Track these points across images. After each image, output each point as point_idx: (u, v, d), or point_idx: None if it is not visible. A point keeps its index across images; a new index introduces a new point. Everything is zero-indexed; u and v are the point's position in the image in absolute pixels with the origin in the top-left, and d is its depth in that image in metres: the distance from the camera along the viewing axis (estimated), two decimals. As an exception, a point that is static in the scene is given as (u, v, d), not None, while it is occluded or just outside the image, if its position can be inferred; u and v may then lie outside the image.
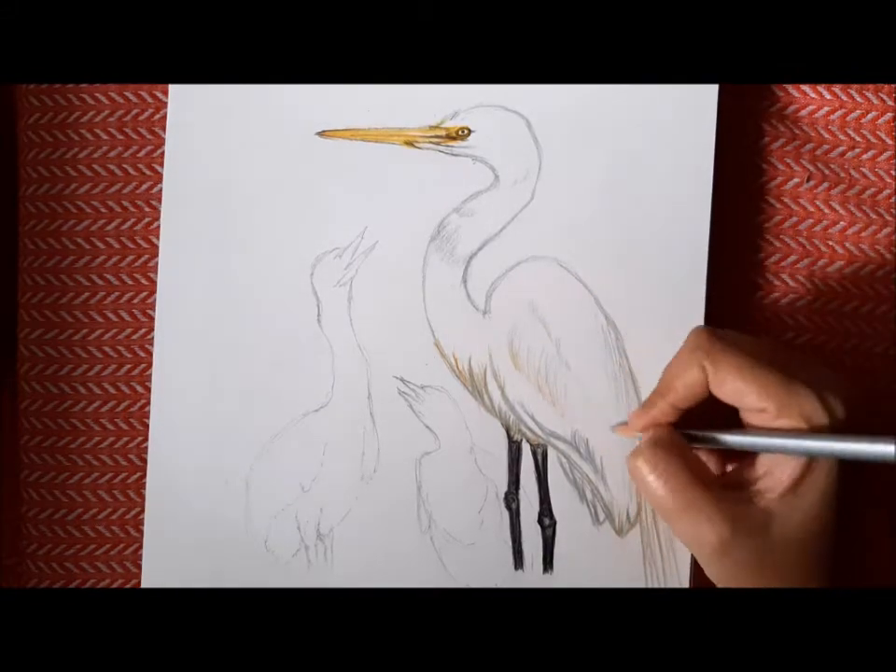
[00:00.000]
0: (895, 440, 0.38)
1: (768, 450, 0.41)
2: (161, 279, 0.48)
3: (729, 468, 0.45)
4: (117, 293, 0.49)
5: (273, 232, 0.47)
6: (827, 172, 0.49)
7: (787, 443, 0.40)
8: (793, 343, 0.49)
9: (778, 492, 0.41)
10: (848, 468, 0.41)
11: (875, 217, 0.48)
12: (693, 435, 0.43)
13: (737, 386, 0.40)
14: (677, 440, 0.43)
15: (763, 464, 0.42)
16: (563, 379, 0.46)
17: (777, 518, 0.41)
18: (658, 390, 0.44)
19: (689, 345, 0.42)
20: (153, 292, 0.48)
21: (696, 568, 0.46)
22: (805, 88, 0.49)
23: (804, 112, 0.49)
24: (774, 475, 0.41)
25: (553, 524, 0.47)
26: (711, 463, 0.45)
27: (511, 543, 0.47)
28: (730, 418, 0.43)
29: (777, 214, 0.49)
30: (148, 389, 0.48)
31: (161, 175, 0.48)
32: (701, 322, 0.46)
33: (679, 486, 0.41)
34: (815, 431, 0.40)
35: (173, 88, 0.48)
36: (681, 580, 0.46)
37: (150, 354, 0.48)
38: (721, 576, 0.42)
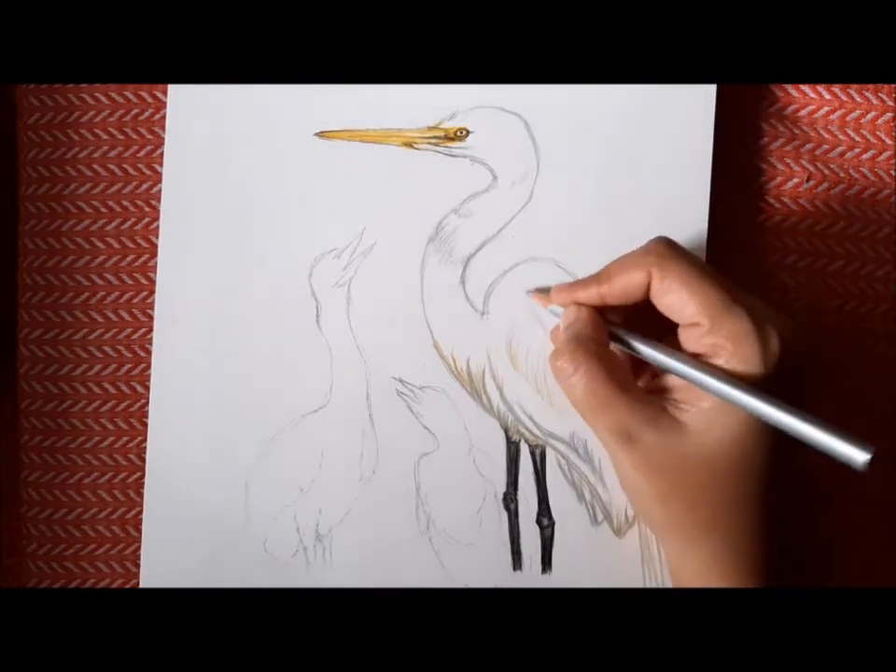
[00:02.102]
0: (870, 448, 0.36)
1: (692, 380, 0.39)
2: (161, 279, 0.48)
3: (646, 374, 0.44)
4: (116, 293, 0.50)
5: (272, 233, 0.47)
6: (827, 172, 0.49)
7: (713, 383, 0.38)
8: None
9: (697, 407, 0.40)
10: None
11: (874, 216, 0.48)
12: (616, 335, 0.42)
13: (680, 296, 0.40)
14: (599, 337, 0.42)
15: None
16: (561, 380, 0.46)
17: (690, 430, 0.39)
18: (594, 276, 0.42)
19: (643, 247, 0.41)
20: (153, 292, 0.48)
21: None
22: (805, 88, 0.49)
23: (803, 112, 0.49)
24: (694, 390, 0.40)
25: (552, 524, 0.47)
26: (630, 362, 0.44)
27: (509, 544, 0.47)
28: (649, 324, 0.42)
29: (776, 214, 0.49)
30: (148, 389, 0.48)
31: (161, 174, 0.48)
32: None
33: (597, 387, 0.40)
34: (740, 358, 0.38)
35: (172, 88, 0.48)
36: (680, 580, 0.46)
37: (150, 354, 0.48)
38: (629, 476, 0.41)
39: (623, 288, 0.41)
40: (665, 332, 0.42)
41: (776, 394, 0.38)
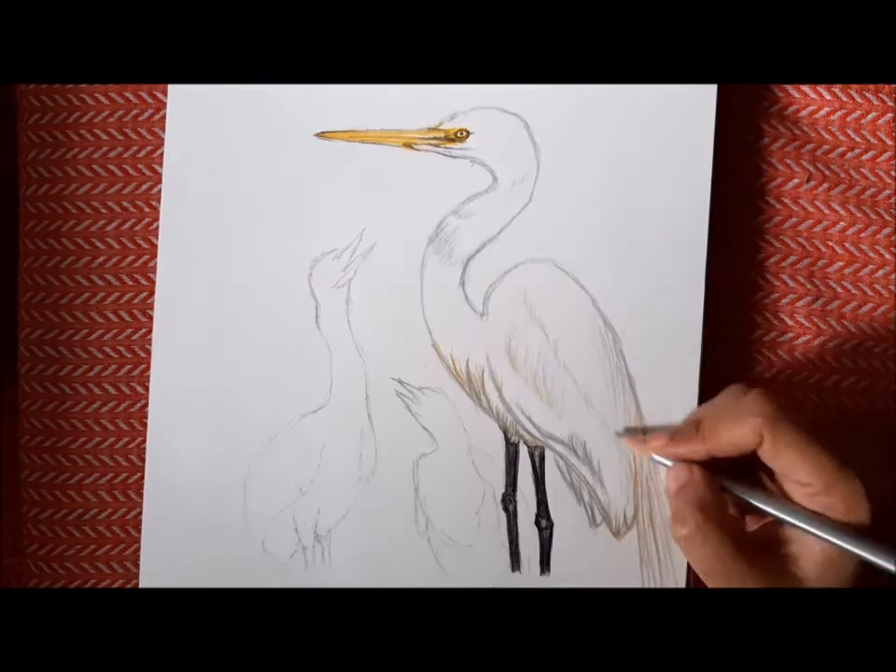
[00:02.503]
0: None
1: (805, 531, 0.41)
2: (160, 279, 0.48)
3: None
4: (116, 293, 0.50)
5: (272, 233, 0.47)
6: (827, 172, 0.48)
7: (824, 534, 0.40)
8: (794, 346, 0.49)
9: (812, 561, 0.41)
10: None
11: (874, 217, 0.48)
12: (732, 493, 0.43)
13: (792, 460, 0.41)
14: (718, 502, 0.43)
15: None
16: (560, 381, 0.46)
17: (808, 584, 0.41)
18: (694, 427, 0.43)
19: (747, 404, 0.42)
20: (153, 292, 0.48)
21: (692, 570, 0.46)
22: (805, 88, 0.49)
23: (804, 112, 0.49)
24: (806, 542, 0.41)
25: (551, 525, 0.47)
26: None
27: (508, 545, 0.47)
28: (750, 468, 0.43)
29: (776, 214, 0.49)
30: (148, 389, 0.48)
31: (161, 175, 0.48)
32: (699, 324, 0.46)
33: (724, 556, 0.41)
34: (853, 515, 0.40)
35: (172, 88, 0.48)
36: (678, 581, 0.46)
37: (150, 354, 0.48)
38: None
39: (730, 446, 0.42)
40: (766, 475, 0.43)
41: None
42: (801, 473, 0.41)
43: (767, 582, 0.41)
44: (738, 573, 0.41)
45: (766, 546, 0.43)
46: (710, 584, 0.42)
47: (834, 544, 0.40)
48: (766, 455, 0.41)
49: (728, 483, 0.43)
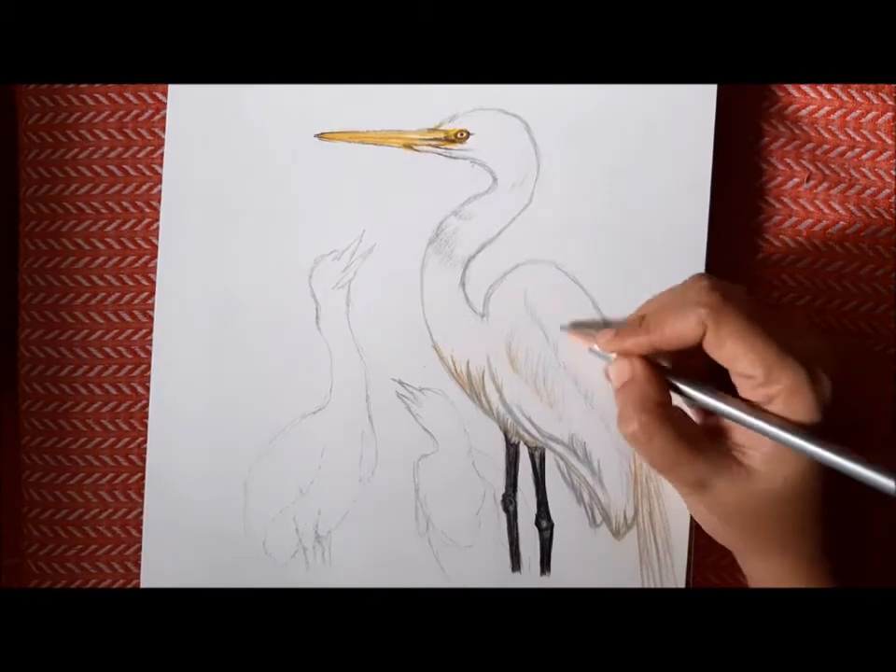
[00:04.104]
0: (894, 476, 0.38)
1: (745, 425, 0.40)
2: (160, 280, 0.48)
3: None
4: (117, 294, 0.50)
5: (272, 234, 0.47)
6: (827, 172, 0.48)
7: (763, 426, 0.40)
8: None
9: (760, 451, 0.40)
10: None
11: (874, 217, 0.48)
12: (674, 385, 0.43)
13: (734, 350, 0.40)
14: (662, 397, 0.42)
15: None
16: (561, 382, 0.47)
17: (757, 473, 0.40)
18: (644, 324, 0.42)
19: (691, 296, 0.41)
20: (153, 293, 0.48)
21: (693, 570, 0.46)
22: (805, 88, 0.48)
23: (804, 112, 0.49)
24: (755, 434, 0.41)
25: (551, 526, 0.47)
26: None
27: (508, 545, 0.47)
28: (698, 361, 0.42)
29: (776, 214, 0.49)
30: (148, 390, 0.48)
31: (161, 175, 0.48)
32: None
33: (671, 449, 0.41)
34: (794, 407, 0.39)
35: (172, 88, 0.48)
36: (677, 582, 0.46)
37: (150, 355, 0.48)
38: (708, 521, 0.43)
39: (674, 339, 0.41)
40: (715, 369, 0.42)
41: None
42: (743, 364, 0.40)
43: (717, 473, 0.41)
44: (687, 465, 0.41)
45: (715, 435, 0.42)
46: (663, 475, 0.43)
47: (768, 435, 0.40)
48: (710, 346, 0.40)
49: (671, 377, 0.43)
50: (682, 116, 0.47)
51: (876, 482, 0.38)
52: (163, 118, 0.48)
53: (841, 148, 0.49)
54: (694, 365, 0.43)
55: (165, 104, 0.48)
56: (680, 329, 0.41)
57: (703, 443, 0.42)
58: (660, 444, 0.41)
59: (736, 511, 0.41)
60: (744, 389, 0.41)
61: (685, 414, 0.43)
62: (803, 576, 0.42)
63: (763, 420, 0.40)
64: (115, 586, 0.50)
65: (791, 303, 0.48)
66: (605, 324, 0.46)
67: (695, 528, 0.46)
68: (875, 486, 0.38)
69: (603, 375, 0.45)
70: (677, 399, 0.43)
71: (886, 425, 0.48)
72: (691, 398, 0.42)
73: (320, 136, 0.47)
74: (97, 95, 0.50)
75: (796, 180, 0.49)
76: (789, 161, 0.48)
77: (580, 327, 0.46)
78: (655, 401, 0.42)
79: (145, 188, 0.49)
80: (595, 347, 0.44)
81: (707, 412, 0.43)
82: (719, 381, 0.42)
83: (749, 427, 0.40)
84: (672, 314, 0.41)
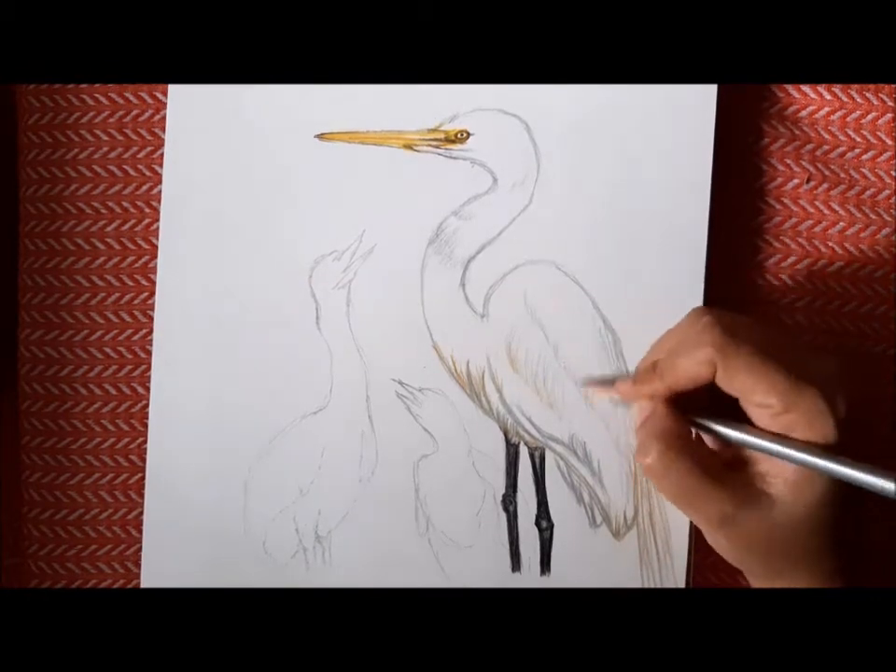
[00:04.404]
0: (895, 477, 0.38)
1: (770, 453, 0.41)
2: (161, 280, 0.48)
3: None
4: (117, 294, 0.50)
5: (272, 235, 0.47)
6: (827, 172, 0.48)
7: (789, 454, 0.40)
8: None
9: (783, 478, 0.41)
10: None
11: (874, 217, 0.48)
12: (695, 421, 0.43)
13: (746, 383, 0.40)
14: (681, 430, 0.42)
15: None
16: (561, 382, 0.47)
17: (781, 503, 0.41)
18: (658, 371, 0.43)
19: (696, 336, 0.42)
20: (153, 293, 0.48)
21: (693, 571, 0.46)
22: (805, 88, 0.48)
23: (804, 112, 0.49)
24: (776, 462, 0.41)
25: (551, 526, 0.47)
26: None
27: (508, 545, 0.47)
28: (723, 399, 0.42)
29: (776, 214, 0.49)
30: (148, 390, 0.48)
31: (161, 175, 0.48)
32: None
33: (691, 483, 0.41)
34: (816, 431, 0.40)
35: (172, 88, 0.48)
36: (677, 582, 0.46)
37: (150, 355, 0.48)
38: (729, 552, 0.43)
39: (688, 381, 0.42)
40: (733, 400, 0.42)
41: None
42: (758, 395, 0.40)
43: (738, 502, 0.41)
44: (705, 495, 0.41)
45: (737, 467, 0.42)
46: (683, 511, 0.43)
47: (795, 461, 0.40)
48: (722, 382, 0.41)
49: (692, 412, 0.43)
50: (682, 116, 0.47)
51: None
52: (163, 118, 0.48)
53: (841, 149, 0.49)
54: (712, 397, 0.43)
55: (165, 104, 0.48)
56: (694, 371, 0.41)
57: (725, 476, 0.42)
58: (677, 476, 0.41)
59: (760, 541, 0.42)
60: (762, 419, 0.41)
61: (706, 447, 0.44)
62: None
63: (788, 447, 0.40)
64: (115, 586, 0.50)
65: (791, 304, 0.48)
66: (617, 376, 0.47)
67: (696, 529, 0.46)
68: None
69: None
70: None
71: (886, 425, 0.48)
72: (712, 431, 0.43)
73: (320, 136, 0.47)
74: (97, 95, 0.50)
75: (796, 181, 0.49)
76: (789, 161, 0.48)
77: (597, 380, 0.47)
78: (673, 433, 0.42)
79: (145, 188, 0.49)
80: (617, 397, 0.45)
81: (725, 444, 0.43)
82: (737, 412, 0.42)
83: (775, 454, 0.40)
84: (682, 357, 0.42)
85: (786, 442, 0.40)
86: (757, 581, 0.44)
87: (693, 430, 0.43)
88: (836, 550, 0.42)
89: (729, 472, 0.42)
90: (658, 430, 0.42)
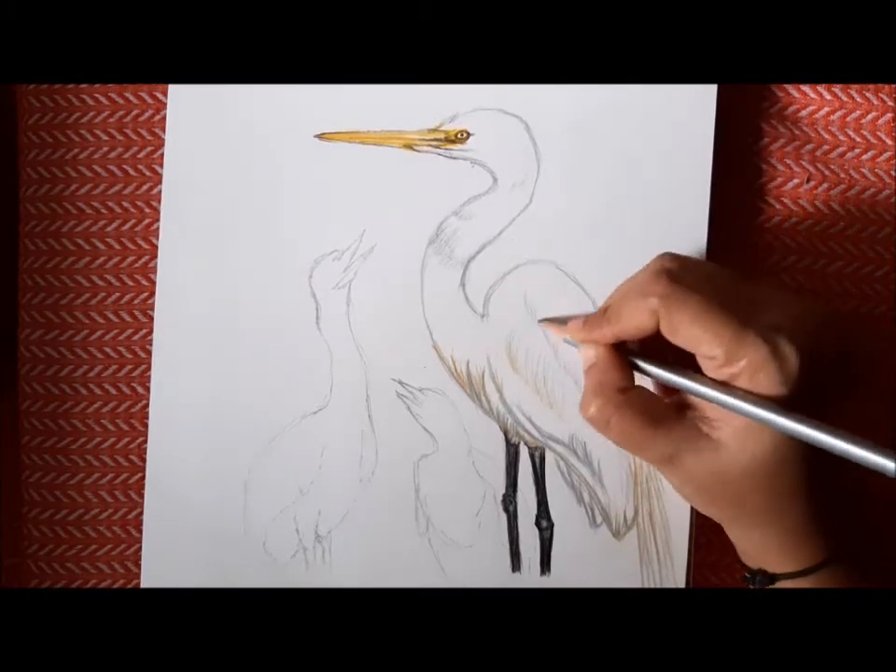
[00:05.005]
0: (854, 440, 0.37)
1: (710, 401, 0.40)
2: (161, 280, 0.48)
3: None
4: (117, 294, 0.50)
5: (272, 234, 0.47)
6: (827, 172, 0.48)
7: (728, 401, 0.39)
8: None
9: (732, 426, 0.40)
10: None
11: (874, 217, 0.48)
12: (639, 366, 0.43)
13: (690, 334, 0.40)
14: (622, 381, 0.42)
15: None
16: (561, 382, 0.47)
17: (726, 449, 0.40)
18: (606, 316, 0.42)
19: (643, 285, 0.41)
20: (153, 293, 0.48)
21: (693, 571, 0.46)
22: (805, 88, 0.48)
23: (804, 112, 0.49)
24: (724, 410, 0.40)
25: (551, 526, 0.47)
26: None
27: (508, 545, 0.47)
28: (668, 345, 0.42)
29: (776, 214, 0.49)
30: (148, 390, 0.48)
31: (161, 175, 0.48)
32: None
33: (631, 431, 0.41)
34: (759, 382, 0.39)
35: (172, 88, 0.48)
36: (677, 582, 0.46)
37: (150, 354, 0.48)
38: (681, 491, 0.43)
39: (633, 329, 0.41)
40: (684, 352, 0.42)
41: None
42: (703, 347, 0.39)
43: (679, 442, 0.41)
44: (648, 439, 0.41)
45: (683, 410, 0.42)
46: (633, 454, 0.43)
47: (734, 410, 0.39)
48: (667, 333, 0.40)
49: (637, 360, 0.43)
50: (682, 116, 0.47)
51: (842, 449, 0.37)
52: (163, 118, 0.48)
53: (841, 149, 0.49)
54: (666, 346, 0.42)
55: (165, 104, 0.48)
56: (637, 320, 0.41)
57: (668, 420, 0.42)
58: (617, 426, 0.41)
59: (708, 484, 0.41)
60: (709, 370, 0.40)
61: (650, 395, 0.43)
62: (790, 548, 0.42)
63: (727, 394, 0.39)
64: (115, 586, 0.50)
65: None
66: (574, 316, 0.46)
67: (695, 529, 0.46)
68: (843, 455, 0.37)
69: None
70: (646, 380, 0.43)
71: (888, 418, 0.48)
72: (655, 377, 0.42)
73: (320, 136, 0.47)
74: (97, 95, 0.50)
75: (796, 181, 0.49)
76: (789, 161, 0.48)
77: (553, 319, 0.46)
78: (613, 386, 0.42)
79: (145, 188, 0.49)
80: (568, 337, 0.45)
81: (674, 390, 0.43)
82: (689, 361, 0.42)
83: (714, 401, 0.40)
84: (627, 304, 0.41)
85: (726, 391, 0.40)
86: (727, 528, 0.43)
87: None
88: (805, 502, 0.41)
89: (674, 417, 0.42)
90: (598, 381, 0.42)
